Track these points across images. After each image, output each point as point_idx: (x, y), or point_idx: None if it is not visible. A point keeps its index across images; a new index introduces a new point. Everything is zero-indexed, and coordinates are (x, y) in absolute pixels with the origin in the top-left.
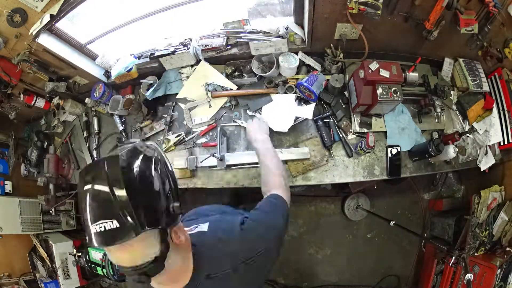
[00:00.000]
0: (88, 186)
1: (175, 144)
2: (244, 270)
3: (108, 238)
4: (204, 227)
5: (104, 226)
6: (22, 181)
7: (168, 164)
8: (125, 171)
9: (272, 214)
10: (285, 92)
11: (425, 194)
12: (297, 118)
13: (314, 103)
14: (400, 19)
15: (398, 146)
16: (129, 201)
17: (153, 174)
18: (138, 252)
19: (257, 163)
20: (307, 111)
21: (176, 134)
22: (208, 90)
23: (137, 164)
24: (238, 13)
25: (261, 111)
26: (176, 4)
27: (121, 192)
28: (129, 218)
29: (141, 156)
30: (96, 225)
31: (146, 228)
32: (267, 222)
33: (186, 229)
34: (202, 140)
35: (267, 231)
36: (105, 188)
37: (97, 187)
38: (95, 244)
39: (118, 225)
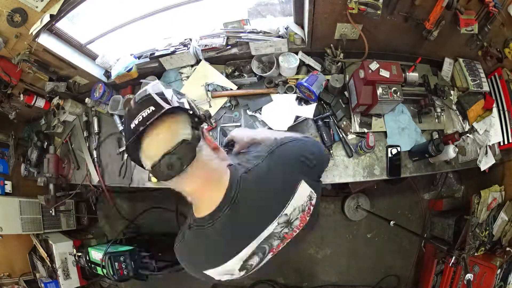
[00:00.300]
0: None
1: None
2: (279, 150)
3: (144, 121)
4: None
5: (142, 115)
6: (22, 181)
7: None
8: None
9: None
10: (285, 92)
11: (425, 194)
12: (297, 117)
13: (315, 103)
14: (400, 19)
15: (398, 146)
16: (162, 93)
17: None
18: (170, 130)
19: None
20: (308, 110)
21: None
22: (208, 90)
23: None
24: (238, 13)
25: (261, 111)
26: (176, 4)
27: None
28: (160, 100)
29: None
30: (137, 118)
31: (176, 105)
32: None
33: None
34: None
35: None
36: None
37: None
38: (136, 128)
39: (154, 108)
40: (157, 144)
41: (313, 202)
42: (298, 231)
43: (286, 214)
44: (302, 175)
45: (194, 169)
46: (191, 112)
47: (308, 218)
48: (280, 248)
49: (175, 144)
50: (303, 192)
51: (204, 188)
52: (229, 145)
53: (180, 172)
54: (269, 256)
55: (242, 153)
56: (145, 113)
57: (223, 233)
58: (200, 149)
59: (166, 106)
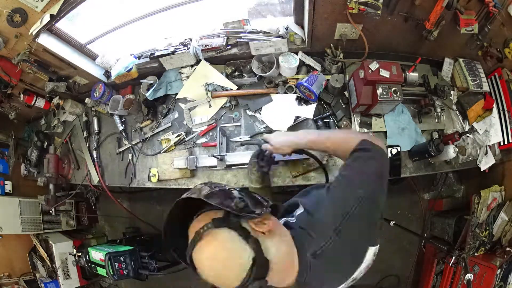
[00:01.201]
0: None
1: (175, 144)
2: (347, 228)
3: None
4: (298, 212)
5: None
6: (22, 181)
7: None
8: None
9: (359, 163)
10: (285, 92)
11: (425, 194)
12: (297, 117)
13: (315, 103)
14: (400, 19)
15: (398, 146)
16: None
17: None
18: (232, 262)
19: None
20: (308, 111)
21: (177, 134)
22: (208, 90)
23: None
24: (238, 13)
25: (261, 111)
26: (176, 4)
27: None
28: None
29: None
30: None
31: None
32: (356, 170)
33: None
34: (202, 140)
35: (358, 177)
36: None
37: None
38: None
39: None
40: (220, 279)
41: (377, 251)
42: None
43: (353, 278)
44: (368, 243)
45: (275, 272)
46: (231, 218)
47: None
48: None
49: (241, 274)
50: (370, 254)
51: (280, 272)
52: (263, 155)
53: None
54: None
55: (303, 213)
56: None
57: None
58: (266, 251)
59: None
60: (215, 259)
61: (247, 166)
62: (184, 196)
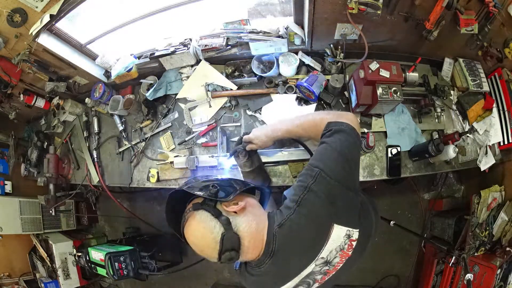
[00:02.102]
0: None
1: (179, 144)
2: (306, 200)
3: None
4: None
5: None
6: (22, 181)
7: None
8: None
9: (322, 146)
10: (285, 92)
11: (425, 194)
12: None
13: (315, 103)
14: (400, 19)
15: (398, 146)
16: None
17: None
18: (206, 237)
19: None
20: (308, 111)
21: (175, 154)
22: (208, 90)
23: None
24: (238, 13)
25: (261, 111)
26: (176, 4)
27: None
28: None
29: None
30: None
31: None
32: (319, 151)
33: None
34: (202, 140)
35: (318, 157)
36: None
37: None
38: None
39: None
40: (203, 251)
41: (354, 237)
42: (341, 264)
43: (322, 257)
44: (333, 220)
45: (245, 244)
46: (206, 203)
47: (351, 253)
48: (327, 279)
49: (215, 246)
50: (338, 234)
51: (250, 244)
52: (244, 148)
53: (239, 255)
54: (316, 285)
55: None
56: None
57: (267, 274)
58: (236, 227)
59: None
60: (195, 235)
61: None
62: (175, 189)
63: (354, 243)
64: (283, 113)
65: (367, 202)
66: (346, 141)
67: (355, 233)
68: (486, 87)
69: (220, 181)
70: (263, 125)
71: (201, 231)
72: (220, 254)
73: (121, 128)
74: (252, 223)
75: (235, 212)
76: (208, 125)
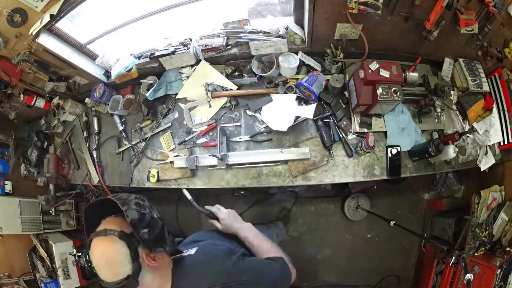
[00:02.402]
0: None
1: (179, 144)
2: None
3: (91, 236)
4: (192, 250)
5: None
6: (22, 181)
7: (150, 212)
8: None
9: (269, 264)
10: (285, 92)
11: (425, 194)
12: (297, 117)
13: (315, 103)
14: (400, 19)
15: (398, 146)
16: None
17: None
18: (112, 268)
19: (257, 163)
20: (308, 111)
21: (175, 154)
22: (208, 90)
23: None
24: (238, 13)
25: (261, 111)
26: (176, 4)
27: None
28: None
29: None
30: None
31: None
32: (256, 262)
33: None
34: (202, 140)
35: (260, 272)
36: None
37: None
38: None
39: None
40: (100, 271)
41: None
42: None
43: None
44: None
45: None
46: (133, 240)
47: None
48: None
49: (119, 279)
50: None
51: None
52: (208, 215)
53: None
54: None
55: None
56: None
57: None
58: (141, 277)
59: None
60: (104, 257)
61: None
62: (112, 197)
63: None
64: (283, 113)
65: None
66: (277, 279)
67: None
68: (486, 87)
69: (159, 225)
70: (232, 214)
71: (113, 260)
72: (113, 284)
73: (121, 128)
74: (155, 280)
75: (148, 265)
76: (208, 125)
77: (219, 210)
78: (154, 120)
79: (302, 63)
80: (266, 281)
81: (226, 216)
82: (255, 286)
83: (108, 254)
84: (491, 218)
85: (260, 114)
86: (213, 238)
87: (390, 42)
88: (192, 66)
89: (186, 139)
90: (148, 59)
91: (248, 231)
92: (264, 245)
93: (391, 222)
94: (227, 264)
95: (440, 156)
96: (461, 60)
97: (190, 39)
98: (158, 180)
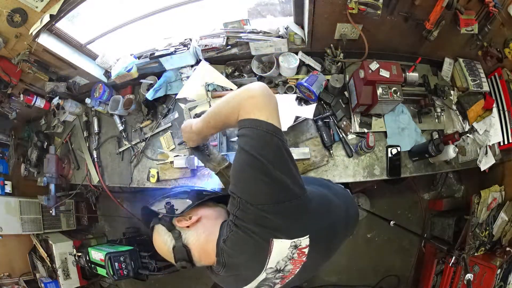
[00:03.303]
0: None
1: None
2: (239, 218)
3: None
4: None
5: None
6: (22, 181)
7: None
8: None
9: (238, 158)
10: (285, 92)
11: (425, 194)
12: (297, 117)
13: (315, 103)
14: (400, 19)
15: (398, 146)
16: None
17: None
18: (163, 248)
19: None
20: (308, 111)
21: (175, 154)
22: (208, 90)
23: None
24: (238, 13)
25: None
26: (176, 4)
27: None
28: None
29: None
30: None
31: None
32: (235, 167)
33: None
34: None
35: (239, 177)
36: None
37: None
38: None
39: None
40: (166, 257)
41: (304, 244)
42: (298, 269)
43: (271, 267)
44: (270, 236)
45: (195, 251)
46: (163, 218)
47: (305, 258)
48: (288, 281)
49: (171, 256)
50: (281, 247)
51: (204, 254)
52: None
53: (193, 263)
54: (278, 286)
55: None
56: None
57: (227, 278)
58: (186, 240)
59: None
60: (156, 245)
61: None
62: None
63: (306, 250)
64: (283, 113)
65: (327, 194)
66: (260, 146)
67: (304, 241)
68: (486, 87)
69: (178, 197)
70: (185, 122)
71: (159, 242)
72: (175, 262)
73: (121, 128)
74: (200, 236)
75: (188, 227)
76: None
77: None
78: (154, 120)
79: (302, 63)
80: (246, 168)
81: (183, 135)
82: (242, 188)
83: (156, 241)
84: (491, 218)
85: None
86: None
87: (390, 42)
88: (192, 66)
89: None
90: (148, 59)
91: (190, 124)
92: (218, 111)
93: (391, 222)
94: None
95: (440, 156)
96: (461, 60)
97: (190, 39)
98: (158, 180)
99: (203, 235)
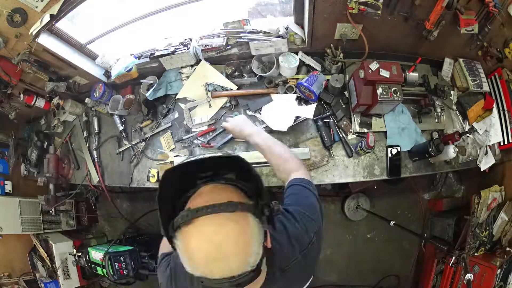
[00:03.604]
0: None
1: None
2: (309, 252)
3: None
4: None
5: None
6: (22, 181)
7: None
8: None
9: (305, 199)
10: (285, 92)
11: (425, 194)
12: (297, 117)
13: (315, 103)
14: (400, 19)
15: (398, 146)
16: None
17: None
18: (245, 257)
19: (258, 162)
20: (308, 110)
21: (175, 154)
22: (208, 90)
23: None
24: (238, 13)
25: (261, 111)
26: (176, 4)
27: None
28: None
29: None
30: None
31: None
32: (306, 207)
33: None
34: (201, 139)
35: (310, 214)
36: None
37: None
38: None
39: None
40: (217, 269)
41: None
42: None
43: None
44: (314, 271)
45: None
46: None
47: None
48: None
49: (242, 272)
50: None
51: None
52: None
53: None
54: None
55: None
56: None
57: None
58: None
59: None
60: (232, 241)
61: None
62: (212, 155)
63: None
64: (283, 113)
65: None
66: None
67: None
68: (486, 87)
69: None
70: (243, 119)
71: (243, 240)
72: (227, 278)
73: (121, 128)
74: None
75: (266, 248)
76: (207, 126)
77: (227, 122)
78: (154, 120)
79: (302, 63)
80: (314, 215)
81: (232, 127)
82: (312, 222)
83: (240, 238)
84: (491, 218)
85: (260, 114)
86: None
87: (390, 42)
88: (192, 66)
89: (184, 137)
90: (148, 59)
91: (256, 136)
92: (278, 150)
93: (391, 222)
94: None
95: (440, 156)
96: (461, 60)
97: (190, 39)
98: (158, 180)
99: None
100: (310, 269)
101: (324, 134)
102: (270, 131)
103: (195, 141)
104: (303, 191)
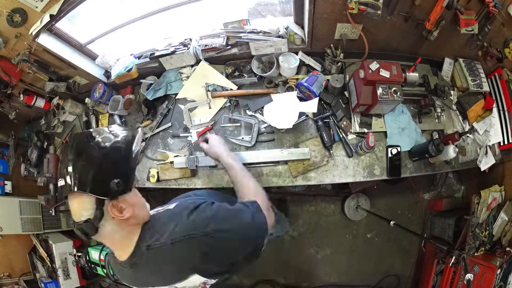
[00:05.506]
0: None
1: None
2: (182, 245)
3: (60, 192)
4: (171, 205)
5: (60, 183)
6: (22, 181)
7: (132, 149)
8: (81, 147)
9: (236, 210)
10: (285, 92)
11: (425, 194)
12: (301, 114)
13: (318, 98)
14: (400, 19)
15: (398, 146)
16: (72, 167)
17: (102, 154)
18: (77, 209)
19: (258, 163)
20: (312, 105)
21: (175, 154)
22: (208, 90)
23: (95, 142)
24: (238, 13)
25: (261, 111)
26: (176, 4)
27: (71, 159)
28: (68, 179)
29: (101, 137)
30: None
31: (75, 189)
32: (230, 212)
33: (159, 207)
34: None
35: (227, 220)
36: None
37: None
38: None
39: (63, 183)
40: (72, 213)
41: (209, 283)
42: None
43: (176, 287)
44: (195, 272)
45: (101, 237)
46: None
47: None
48: None
49: (79, 221)
50: (195, 280)
51: (114, 246)
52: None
53: (89, 236)
54: None
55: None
56: (61, 181)
57: (127, 275)
58: (103, 225)
59: (68, 191)
60: (72, 209)
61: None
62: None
63: (208, 286)
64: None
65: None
66: (252, 229)
67: (212, 281)
68: (486, 87)
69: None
70: (218, 141)
71: (77, 204)
72: (76, 223)
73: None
74: (117, 233)
75: (112, 217)
76: (206, 126)
77: (209, 134)
78: (154, 120)
79: (302, 63)
80: (235, 229)
81: (212, 140)
82: (222, 234)
83: (75, 204)
84: (491, 218)
85: (260, 114)
86: (209, 195)
87: (390, 42)
88: (192, 66)
89: (181, 134)
90: (148, 59)
91: (228, 157)
92: (245, 181)
93: (391, 222)
94: (192, 215)
95: (440, 156)
96: (461, 60)
97: (190, 39)
98: (158, 180)
99: (118, 235)
100: (183, 264)
101: (324, 134)
102: (272, 131)
103: (193, 141)
104: (240, 208)
